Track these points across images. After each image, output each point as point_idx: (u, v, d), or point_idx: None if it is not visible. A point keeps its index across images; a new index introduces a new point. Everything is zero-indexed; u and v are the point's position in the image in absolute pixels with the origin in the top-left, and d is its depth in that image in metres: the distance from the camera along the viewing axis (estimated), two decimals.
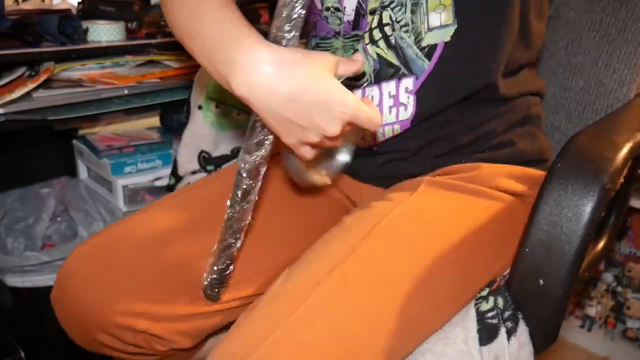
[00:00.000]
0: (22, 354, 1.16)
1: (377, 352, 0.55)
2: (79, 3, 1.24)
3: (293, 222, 0.76)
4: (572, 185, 0.54)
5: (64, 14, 1.10)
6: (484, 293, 0.63)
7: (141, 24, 1.23)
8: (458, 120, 0.72)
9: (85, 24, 1.12)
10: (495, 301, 0.59)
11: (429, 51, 0.69)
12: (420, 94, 0.71)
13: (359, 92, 0.74)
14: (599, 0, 0.90)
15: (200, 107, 1.10)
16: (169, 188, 1.13)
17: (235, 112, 1.12)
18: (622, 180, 0.83)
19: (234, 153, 1.14)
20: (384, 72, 0.72)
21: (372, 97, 0.73)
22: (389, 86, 0.72)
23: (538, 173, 0.72)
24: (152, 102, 1.18)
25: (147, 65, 1.24)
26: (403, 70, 0.71)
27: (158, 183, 1.35)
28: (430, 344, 0.57)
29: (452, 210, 0.66)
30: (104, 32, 1.13)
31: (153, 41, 1.18)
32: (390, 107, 0.72)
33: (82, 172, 1.45)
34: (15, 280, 1.16)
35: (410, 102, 0.71)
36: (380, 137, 0.74)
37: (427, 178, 0.70)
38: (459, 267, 0.63)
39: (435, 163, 0.73)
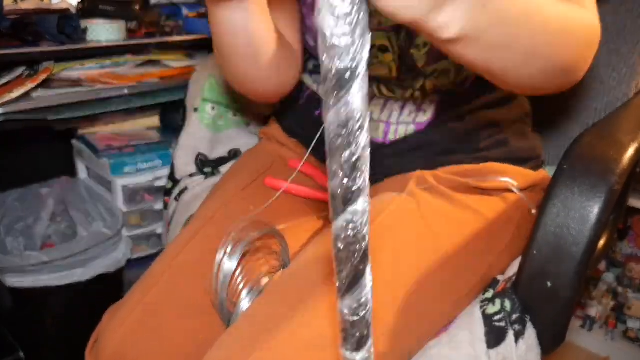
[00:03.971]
0: (22, 354, 1.16)
1: None
2: (78, 2, 1.23)
3: (302, 227, 0.76)
4: (579, 187, 0.54)
5: (64, 13, 1.10)
6: (489, 295, 0.62)
7: (141, 23, 1.23)
8: (469, 123, 0.73)
9: (84, 24, 1.12)
10: (502, 304, 0.59)
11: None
12: (443, 103, 0.72)
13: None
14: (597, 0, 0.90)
15: (196, 110, 1.10)
16: (167, 192, 1.12)
17: (231, 113, 1.12)
18: None
19: (231, 155, 1.14)
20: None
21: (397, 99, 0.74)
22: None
23: (530, 172, 0.73)
24: (152, 102, 1.17)
25: (147, 65, 1.23)
26: None
27: (158, 183, 1.34)
28: (438, 347, 0.57)
29: (443, 205, 0.66)
30: (104, 32, 1.12)
31: (153, 41, 1.17)
32: (411, 111, 0.73)
33: (82, 172, 1.44)
34: (15, 280, 1.15)
35: (431, 108, 0.72)
36: (392, 136, 0.74)
37: (417, 173, 0.70)
38: (450, 262, 0.62)
39: (436, 161, 0.73)
